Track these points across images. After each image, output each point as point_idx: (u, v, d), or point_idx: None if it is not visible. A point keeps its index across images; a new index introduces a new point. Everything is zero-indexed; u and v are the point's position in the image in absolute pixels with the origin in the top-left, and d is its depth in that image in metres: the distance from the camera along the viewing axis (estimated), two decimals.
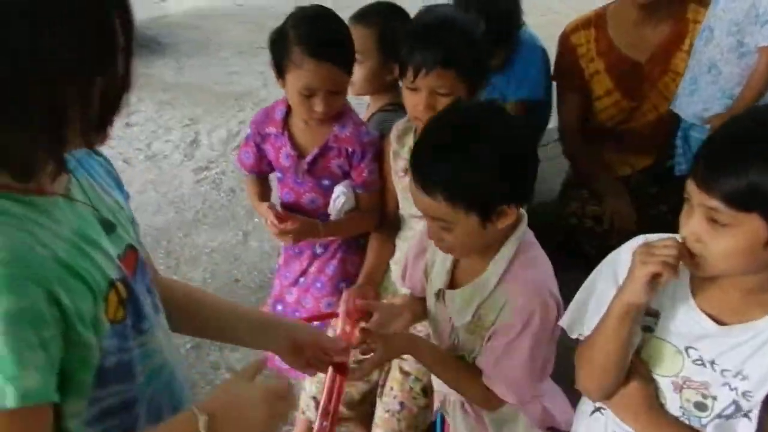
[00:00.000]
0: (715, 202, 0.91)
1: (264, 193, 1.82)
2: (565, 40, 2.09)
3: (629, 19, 1.97)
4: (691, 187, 0.95)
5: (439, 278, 1.30)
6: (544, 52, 2.10)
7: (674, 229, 1.02)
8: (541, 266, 1.24)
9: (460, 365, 1.29)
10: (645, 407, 1.07)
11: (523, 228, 1.22)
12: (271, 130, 1.71)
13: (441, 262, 1.31)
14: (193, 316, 1.19)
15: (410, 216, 1.67)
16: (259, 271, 3.01)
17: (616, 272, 1.08)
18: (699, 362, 1.02)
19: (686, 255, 0.96)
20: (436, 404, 1.46)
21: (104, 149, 3.35)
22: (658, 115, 1.99)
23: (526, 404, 1.27)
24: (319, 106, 1.55)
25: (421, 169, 1.15)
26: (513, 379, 1.21)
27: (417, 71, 1.40)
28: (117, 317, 0.85)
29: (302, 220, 1.62)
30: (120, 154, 4.08)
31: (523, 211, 1.23)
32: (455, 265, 1.29)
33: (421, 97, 1.43)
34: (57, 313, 0.74)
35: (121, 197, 1.00)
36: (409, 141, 1.64)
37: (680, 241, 0.97)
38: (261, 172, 1.80)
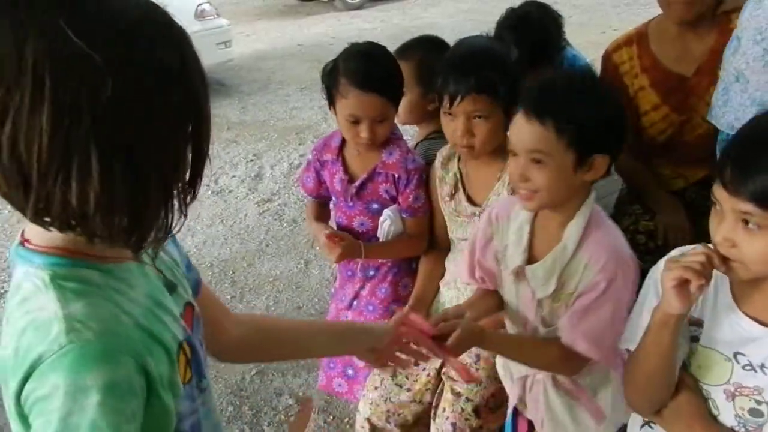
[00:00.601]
0: (747, 206, 0.90)
1: (322, 217, 1.90)
2: (607, 60, 2.08)
3: (671, 34, 1.95)
4: (719, 192, 0.95)
5: (515, 258, 1.33)
6: (589, 70, 2.10)
7: None
8: (615, 230, 1.30)
9: (531, 338, 1.35)
10: (698, 418, 1.05)
11: (594, 197, 1.28)
12: (328, 157, 1.80)
13: (515, 244, 1.34)
14: (274, 339, 1.21)
15: (458, 239, 1.70)
16: (320, 297, 3.09)
17: (657, 283, 1.08)
18: (749, 367, 1.00)
19: (719, 261, 0.95)
20: (512, 401, 1.48)
21: None
22: (709, 127, 1.95)
23: (611, 363, 1.29)
24: (364, 133, 1.63)
25: (537, 94, 1.24)
26: (595, 336, 1.23)
27: (453, 98, 1.45)
28: (186, 378, 0.84)
29: (346, 240, 1.69)
30: None
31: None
32: (530, 243, 1.32)
33: (458, 123, 1.48)
34: (144, 382, 0.73)
35: (176, 252, 0.97)
36: (453, 167, 1.68)
37: (711, 247, 0.97)
38: (320, 197, 1.89)
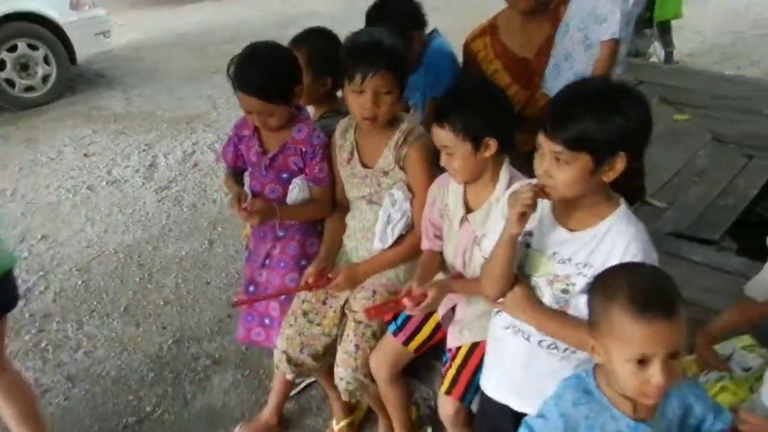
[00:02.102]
0: (559, 147, 1.31)
1: (238, 184, 2.16)
2: (466, 48, 2.50)
3: (516, 25, 2.39)
4: (541, 138, 1.34)
5: (458, 212, 1.76)
6: (454, 61, 2.49)
7: None
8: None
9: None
10: (527, 301, 1.46)
11: (506, 164, 1.72)
12: (246, 132, 2.08)
13: (454, 203, 1.78)
14: None
15: (355, 198, 2.04)
16: (227, 272, 3.32)
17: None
18: (561, 261, 1.42)
19: (540, 192, 1.36)
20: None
21: (68, 180, 3.76)
22: (547, 99, 2.42)
23: None
24: (256, 122, 1.97)
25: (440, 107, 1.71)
26: None
27: (364, 77, 1.78)
28: None
29: (262, 202, 1.98)
30: (83, 182, 4.35)
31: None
32: (465, 201, 1.76)
33: (367, 98, 1.81)
34: None
35: None
36: (350, 137, 2.01)
37: (535, 181, 1.37)
38: (237, 167, 2.16)
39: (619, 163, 1.32)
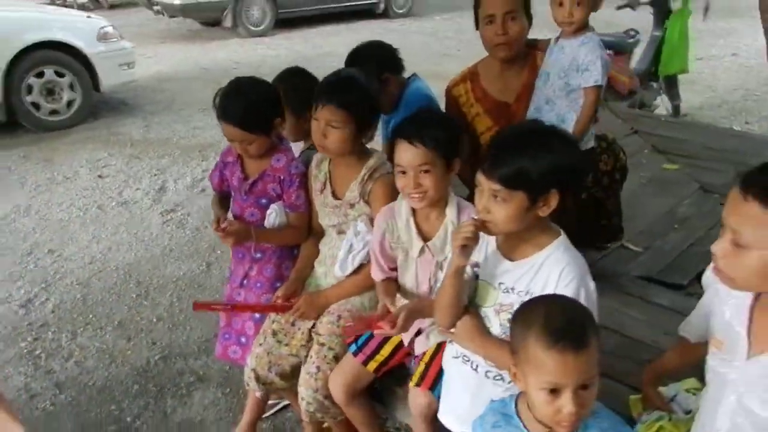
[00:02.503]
0: (496, 185, 1.42)
1: (223, 207, 2.31)
2: (448, 94, 2.66)
3: (495, 72, 2.54)
4: (480, 177, 1.46)
5: (414, 242, 1.84)
6: (431, 102, 2.62)
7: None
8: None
9: None
10: (476, 331, 1.55)
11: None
12: (230, 159, 2.24)
13: (406, 233, 1.86)
14: None
15: (327, 226, 2.17)
16: (221, 294, 3.38)
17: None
18: (505, 290, 1.51)
19: (480, 227, 1.46)
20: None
21: (80, 199, 3.99)
22: None
23: None
24: (237, 149, 2.14)
25: (412, 127, 1.79)
26: None
27: (316, 107, 1.95)
28: None
29: (238, 224, 2.12)
30: (94, 202, 4.55)
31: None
32: (417, 226, 1.85)
33: (318, 126, 1.96)
34: None
35: None
36: (324, 168, 2.15)
37: (475, 217, 1.48)
38: (222, 191, 2.32)
39: (553, 200, 1.42)
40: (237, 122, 2.04)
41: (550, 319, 1.22)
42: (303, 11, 11.40)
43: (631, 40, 5.92)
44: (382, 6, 12.34)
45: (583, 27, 2.38)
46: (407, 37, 10.24)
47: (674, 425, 1.68)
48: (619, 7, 6.38)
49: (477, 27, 2.47)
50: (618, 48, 5.79)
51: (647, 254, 2.84)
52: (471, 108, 2.58)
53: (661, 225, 3.12)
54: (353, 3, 12.02)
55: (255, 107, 2.05)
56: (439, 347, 1.88)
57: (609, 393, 1.85)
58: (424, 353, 1.93)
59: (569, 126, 2.45)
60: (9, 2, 6.71)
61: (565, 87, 2.44)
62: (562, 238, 1.52)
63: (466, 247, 1.46)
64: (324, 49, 9.20)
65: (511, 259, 1.52)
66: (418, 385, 1.88)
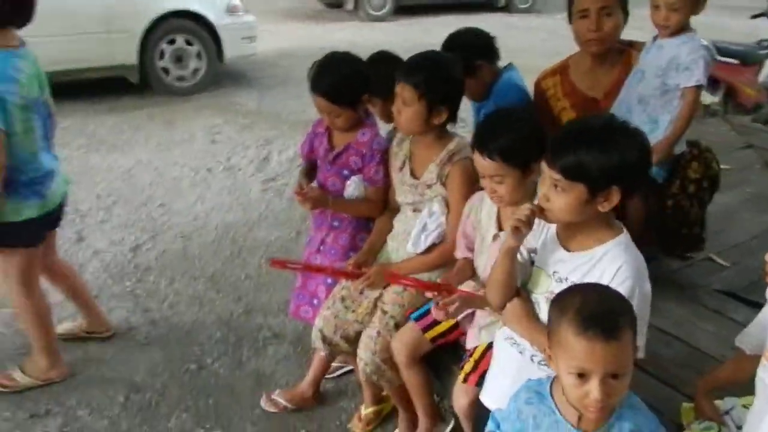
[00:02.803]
0: (556, 174, 1.45)
1: (310, 176, 2.46)
2: (537, 86, 2.65)
3: (586, 67, 2.51)
4: (543, 165, 1.49)
5: (491, 229, 1.91)
6: (521, 93, 2.61)
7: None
8: None
9: None
10: (524, 315, 1.58)
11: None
12: (320, 130, 2.40)
13: (487, 219, 1.93)
14: None
15: (402, 203, 2.26)
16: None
17: None
18: (559, 280, 1.53)
19: (538, 213, 1.49)
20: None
21: (193, 161, 4.35)
22: None
23: None
24: (326, 121, 2.28)
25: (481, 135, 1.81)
26: None
27: (396, 83, 2.04)
28: None
29: (318, 191, 2.25)
30: (205, 165, 4.91)
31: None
32: (498, 214, 1.91)
33: (395, 103, 2.07)
34: None
35: None
36: (405, 147, 2.24)
37: (535, 203, 1.51)
38: (310, 160, 2.47)
39: (614, 196, 1.42)
40: (326, 94, 2.17)
41: (585, 306, 1.24)
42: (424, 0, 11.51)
43: (763, 51, 5.54)
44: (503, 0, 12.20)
45: (682, 29, 2.32)
46: (526, 33, 10.09)
47: None
48: (754, 16, 5.99)
49: (570, 21, 2.45)
50: (746, 58, 5.46)
51: (733, 269, 2.71)
52: (558, 102, 2.57)
53: (756, 242, 2.96)
54: None
55: (344, 82, 2.17)
56: (489, 347, 1.91)
57: (665, 399, 1.86)
58: (475, 349, 1.97)
59: (662, 128, 2.39)
60: None
61: (661, 86, 2.38)
62: (623, 237, 1.51)
63: (519, 229, 1.49)
64: (439, 38, 9.06)
65: (568, 249, 1.53)
66: (465, 380, 1.94)
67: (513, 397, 1.44)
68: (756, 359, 1.43)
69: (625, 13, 2.42)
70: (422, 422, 2.26)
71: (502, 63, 2.67)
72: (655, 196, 2.52)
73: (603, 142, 1.43)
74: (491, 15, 11.73)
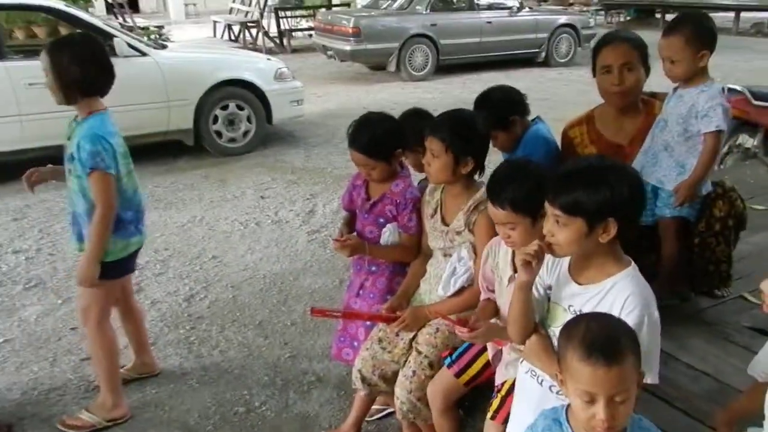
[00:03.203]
0: (557, 211, 1.59)
1: (351, 225, 2.64)
2: (564, 136, 2.81)
3: (611, 117, 2.65)
4: (546, 204, 1.63)
5: (507, 271, 2.01)
6: (548, 144, 2.75)
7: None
8: None
9: None
10: (543, 350, 1.69)
11: None
12: (359, 182, 2.60)
13: (503, 261, 2.03)
14: None
15: (435, 248, 2.41)
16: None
17: None
18: (573, 313, 1.63)
19: (546, 248, 1.62)
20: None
21: (243, 215, 4.68)
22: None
23: None
24: (365, 175, 2.46)
25: (492, 186, 1.94)
26: None
27: (424, 138, 2.23)
28: None
29: (355, 239, 2.42)
30: (254, 219, 5.18)
31: None
32: (513, 259, 1.98)
33: (426, 155, 2.24)
34: None
35: None
36: (437, 196, 2.41)
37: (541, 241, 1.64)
38: (350, 210, 2.66)
39: (611, 228, 1.55)
40: (362, 149, 2.37)
41: (588, 334, 1.36)
42: (464, 58, 11.87)
43: None
44: (543, 55, 12.48)
45: (698, 77, 2.45)
46: (565, 85, 10.28)
47: None
48: None
49: (594, 74, 2.61)
50: None
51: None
52: (585, 149, 2.71)
53: None
54: (515, 52, 12.30)
55: (379, 138, 2.37)
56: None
57: (689, 430, 1.90)
58: (503, 385, 2.06)
59: (688, 171, 2.50)
60: (210, 46, 7.83)
61: (684, 133, 2.51)
62: (631, 269, 1.62)
63: (529, 264, 1.62)
64: (476, 95, 9.49)
65: (579, 283, 1.65)
66: (493, 418, 2.03)
67: (530, 427, 1.53)
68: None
69: (646, 69, 2.57)
70: None
71: (545, 114, 2.84)
72: (685, 236, 2.60)
73: (596, 180, 1.56)
74: (531, 70, 12.02)
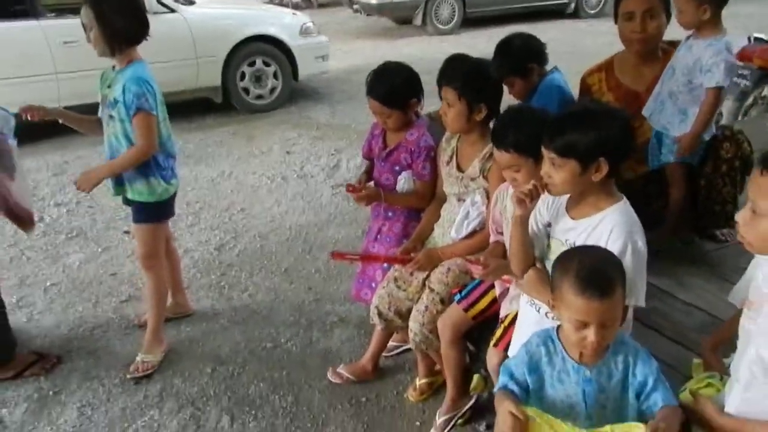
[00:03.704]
0: (552, 153, 1.71)
1: (370, 175, 2.79)
2: (582, 82, 2.86)
3: (630, 63, 2.71)
4: (542, 148, 1.75)
5: (514, 211, 2.07)
6: (562, 93, 2.80)
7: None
8: None
9: None
10: (540, 283, 1.83)
11: None
12: (377, 131, 2.73)
13: (510, 203, 2.07)
14: None
15: (449, 194, 2.54)
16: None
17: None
18: (570, 245, 1.76)
19: (543, 188, 1.75)
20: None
21: (270, 170, 4.91)
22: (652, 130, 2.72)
23: None
24: (381, 123, 2.59)
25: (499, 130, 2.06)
26: None
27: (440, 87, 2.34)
28: None
29: (371, 188, 2.58)
30: (280, 173, 5.36)
31: None
32: None
33: (442, 104, 2.36)
34: None
35: None
36: (453, 143, 2.52)
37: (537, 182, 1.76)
38: (369, 158, 2.81)
39: (603, 167, 1.67)
40: (379, 98, 2.49)
41: (582, 269, 1.51)
42: (491, 11, 11.72)
43: None
44: (573, 6, 12.25)
45: (709, 29, 2.49)
46: (594, 37, 10.12)
47: (723, 383, 1.83)
48: None
49: (615, 21, 2.66)
50: None
51: None
52: (603, 96, 2.78)
53: None
54: (543, 3, 12.09)
55: (396, 87, 2.50)
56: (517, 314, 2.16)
57: (681, 358, 2.05)
58: (506, 317, 2.22)
59: (690, 119, 2.57)
60: (235, 2, 7.91)
61: (688, 84, 2.57)
62: (621, 204, 1.74)
63: (523, 201, 1.75)
64: None
65: (573, 218, 1.78)
66: (495, 345, 2.19)
67: (524, 345, 1.70)
68: None
69: (668, 15, 2.62)
70: (450, 392, 2.53)
71: (571, 66, 2.89)
72: (690, 180, 2.69)
73: (586, 123, 1.68)
74: (560, 22, 11.83)
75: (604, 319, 1.49)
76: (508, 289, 2.26)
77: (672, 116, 2.63)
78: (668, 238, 2.73)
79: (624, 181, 2.80)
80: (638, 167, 2.80)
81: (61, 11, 6.20)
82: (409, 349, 3.02)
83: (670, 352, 2.09)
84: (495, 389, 2.05)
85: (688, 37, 2.63)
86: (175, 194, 2.97)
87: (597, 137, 1.66)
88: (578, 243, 1.75)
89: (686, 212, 2.76)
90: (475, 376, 2.60)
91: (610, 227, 1.69)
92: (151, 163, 2.77)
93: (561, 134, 1.69)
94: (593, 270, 1.51)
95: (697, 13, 2.47)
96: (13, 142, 2.78)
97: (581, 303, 1.48)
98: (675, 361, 1.98)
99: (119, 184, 2.83)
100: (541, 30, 10.96)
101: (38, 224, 4.44)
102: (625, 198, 1.76)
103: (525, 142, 1.95)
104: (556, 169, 1.72)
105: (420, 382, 2.78)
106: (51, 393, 2.84)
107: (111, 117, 2.73)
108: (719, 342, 1.89)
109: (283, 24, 7.06)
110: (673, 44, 2.75)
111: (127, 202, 2.94)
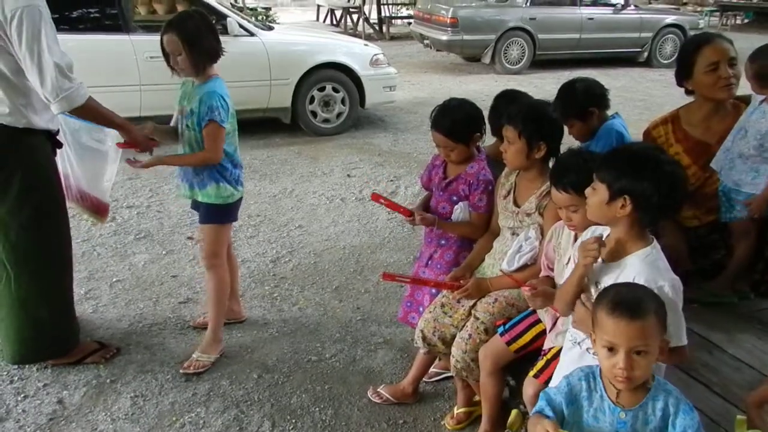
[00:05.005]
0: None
1: (426, 206, 2.88)
2: (646, 135, 2.89)
3: (698, 116, 2.74)
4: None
5: (568, 252, 2.13)
6: (621, 137, 2.82)
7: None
8: None
9: None
10: (586, 316, 1.87)
11: None
12: (438, 162, 2.83)
13: (566, 243, 2.21)
14: None
15: (504, 227, 2.60)
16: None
17: None
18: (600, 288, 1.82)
19: (600, 244, 1.79)
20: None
21: (329, 191, 5.13)
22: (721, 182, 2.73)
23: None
24: (442, 155, 2.68)
25: (554, 172, 2.16)
26: None
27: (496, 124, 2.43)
28: None
29: (426, 215, 2.67)
30: (339, 195, 5.51)
31: None
32: (575, 239, 2.17)
33: (503, 145, 2.44)
34: None
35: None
36: (512, 179, 2.59)
37: (600, 233, 1.82)
38: (428, 188, 2.90)
39: (627, 205, 1.74)
40: (444, 131, 2.59)
41: (616, 295, 1.57)
42: (562, 54, 11.76)
43: None
44: (645, 55, 12.16)
45: None
46: (665, 87, 10.01)
47: None
48: None
49: (678, 82, 2.71)
50: None
51: None
52: (670, 148, 2.80)
53: None
54: (615, 50, 12.05)
55: (460, 121, 2.60)
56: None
57: (724, 413, 2.03)
58: (550, 350, 2.24)
59: (763, 176, 2.59)
60: (310, 30, 8.24)
61: (760, 148, 2.58)
62: (649, 248, 1.78)
63: (589, 257, 1.79)
64: None
65: (604, 261, 1.84)
66: (536, 376, 2.21)
67: (566, 376, 1.73)
68: None
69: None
70: (484, 424, 2.56)
71: (640, 115, 2.95)
72: (757, 235, 2.69)
73: (633, 164, 1.76)
74: (631, 69, 11.76)
75: (633, 344, 1.51)
76: (557, 321, 2.29)
77: (743, 174, 2.64)
78: (725, 290, 2.71)
79: (687, 228, 2.83)
80: (705, 216, 2.81)
81: (149, 28, 6.65)
82: (450, 377, 3.06)
83: (715, 406, 2.07)
84: (531, 413, 2.09)
85: (761, 101, 2.64)
86: (240, 200, 3.15)
87: (627, 178, 1.73)
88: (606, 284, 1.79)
89: (745, 267, 2.74)
90: (513, 412, 2.62)
91: (633, 274, 1.74)
92: (220, 170, 2.98)
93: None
94: (626, 293, 1.58)
95: (762, 92, 2.51)
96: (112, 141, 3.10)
97: (611, 323, 1.53)
98: (718, 417, 1.97)
99: (191, 187, 3.03)
100: (613, 76, 11.02)
101: (110, 223, 4.72)
102: (655, 242, 1.80)
103: (583, 183, 2.00)
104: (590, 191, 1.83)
105: (458, 410, 2.81)
106: (108, 381, 3.01)
107: (187, 127, 2.96)
108: (765, 399, 1.87)
109: (355, 53, 7.31)
110: (741, 99, 2.76)
111: (196, 206, 3.12)
